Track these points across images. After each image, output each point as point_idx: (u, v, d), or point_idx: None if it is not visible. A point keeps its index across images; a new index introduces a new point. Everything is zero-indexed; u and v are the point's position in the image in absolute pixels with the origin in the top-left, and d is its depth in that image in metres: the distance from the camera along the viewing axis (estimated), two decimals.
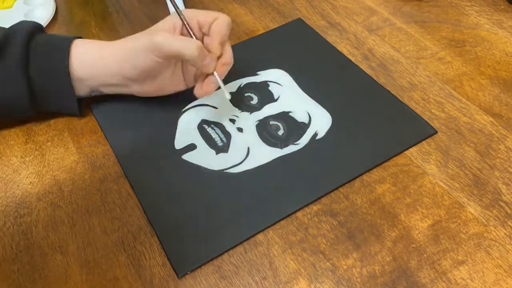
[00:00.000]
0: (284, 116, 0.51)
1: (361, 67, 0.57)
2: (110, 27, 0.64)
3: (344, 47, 0.60)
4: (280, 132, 0.49)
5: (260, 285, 0.39)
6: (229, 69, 0.49)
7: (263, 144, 0.49)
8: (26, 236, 0.43)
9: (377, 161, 0.47)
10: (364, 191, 0.45)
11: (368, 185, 0.46)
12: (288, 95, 0.53)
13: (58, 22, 0.65)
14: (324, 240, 0.42)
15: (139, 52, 0.45)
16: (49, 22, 0.65)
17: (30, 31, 0.47)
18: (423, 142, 0.49)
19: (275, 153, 0.48)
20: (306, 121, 0.50)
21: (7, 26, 0.60)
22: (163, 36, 0.44)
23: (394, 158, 0.48)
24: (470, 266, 0.40)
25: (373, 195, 0.45)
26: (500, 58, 0.58)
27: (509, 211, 0.43)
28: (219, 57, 0.48)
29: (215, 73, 0.47)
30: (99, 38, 0.62)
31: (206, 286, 0.40)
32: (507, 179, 0.46)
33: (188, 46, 0.44)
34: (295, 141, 0.49)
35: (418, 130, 0.50)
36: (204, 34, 0.49)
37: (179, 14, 0.47)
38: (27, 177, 0.47)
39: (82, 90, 0.49)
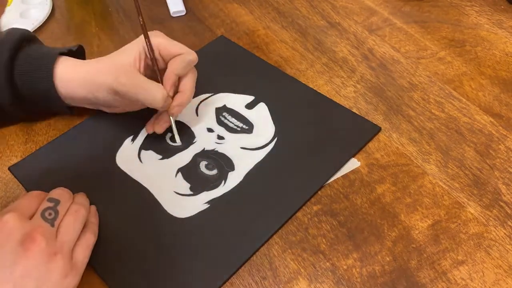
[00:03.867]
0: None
1: (361, 67, 0.57)
2: (110, 27, 0.64)
3: (344, 47, 0.60)
4: (213, 173, 0.47)
5: (260, 285, 0.39)
6: (182, 109, 0.46)
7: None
8: None
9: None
10: (364, 191, 0.45)
11: (368, 185, 0.46)
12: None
13: (58, 21, 0.65)
14: (324, 240, 0.42)
15: (102, 91, 0.45)
16: (50, 22, 0.65)
17: (19, 38, 0.46)
18: (423, 142, 0.49)
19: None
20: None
21: (3, 23, 0.60)
22: (124, 83, 0.43)
23: (394, 158, 0.48)
24: (470, 266, 0.40)
25: (373, 195, 0.45)
26: (500, 58, 0.58)
27: (509, 211, 0.43)
28: (175, 93, 0.47)
29: (172, 118, 0.47)
30: (99, 38, 0.62)
31: None
32: (507, 179, 0.46)
33: (153, 97, 0.43)
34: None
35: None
36: (166, 65, 0.46)
37: (150, 54, 0.46)
38: None
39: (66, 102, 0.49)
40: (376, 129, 0.50)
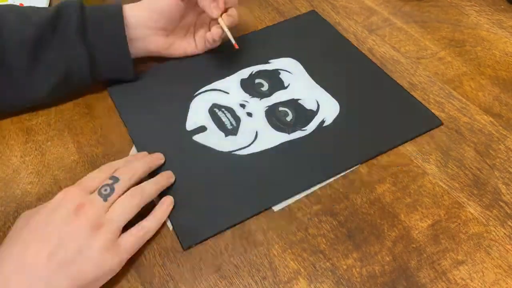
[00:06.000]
0: (293, 103, 0.52)
1: None
2: None
3: None
4: (288, 118, 0.51)
5: (260, 285, 0.39)
6: (234, 22, 0.53)
7: (271, 128, 0.50)
8: None
9: (382, 149, 0.48)
10: (364, 191, 0.45)
11: (368, 185, 0.46)
12: (298, 83, 0.55)
13: None
14: (324, 240, 0.42)
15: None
16: None
17: (80, 5, 0.50)
18: (423, 142, 0.49)
19: (282, 137, 0.49)
20: (314, 109, 0.52)
21: None
22: None
23: (394, 158, 0.48)
24: (470, 266, 0.40)
25: (373, 195, 0.45)
26: (500, 58, 0.58)
27: (509, 211, 0.43)
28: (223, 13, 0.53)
29: (220, 19, 0.52)
30: None
31: (206, 286, 0.40)
32: (507, 179, 0.46)
33: None
34: (302, 127, 0.50)
35: (424, 121, 0.50)
36: None
37: None
38: (27, 177, 0.47)
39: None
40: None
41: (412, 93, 0.54)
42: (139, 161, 0.44)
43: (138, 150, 0.49)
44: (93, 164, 0.48)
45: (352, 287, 0.39)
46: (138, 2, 0.53)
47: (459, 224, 0.43)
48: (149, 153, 0.47)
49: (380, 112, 0.51)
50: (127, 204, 0.40)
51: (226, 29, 0.52)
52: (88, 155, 0.49)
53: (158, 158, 0.47)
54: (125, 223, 0.40)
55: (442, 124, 0.50)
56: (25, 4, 0.66)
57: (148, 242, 0.42)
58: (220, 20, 0.52)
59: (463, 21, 0.63)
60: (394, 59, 0.58)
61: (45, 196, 0.46)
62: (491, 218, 0.43)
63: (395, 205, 0.44)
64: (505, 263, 0.40)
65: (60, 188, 0.46)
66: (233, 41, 0.53)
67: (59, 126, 0.52)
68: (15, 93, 0.49)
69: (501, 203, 0.44)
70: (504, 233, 0.42)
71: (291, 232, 0.42)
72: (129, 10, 0.52)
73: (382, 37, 0.61)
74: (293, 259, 0.41)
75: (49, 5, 0.67)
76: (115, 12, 0.51)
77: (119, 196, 0.40)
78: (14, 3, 0.67)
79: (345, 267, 0.40)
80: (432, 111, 0.52)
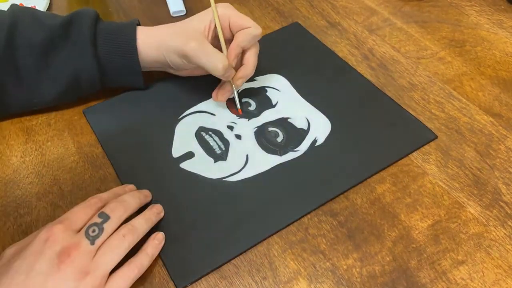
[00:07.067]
0: (282, 123, 0.50)
1: (361, 67, 0.57)
2: None
3: (344, 47, 0.60)
4: (279, 139, 0.49)
5: (260, 285, 0.39)
6: (245, 81, 0.50)
7: (262, 151, 0.48)
8: (26, 236, 0.43)
9: (377, 167, 0.46)
10: (364, 191, 0.45)
11: (368, 185, 0.46)
12: (287, 101, 0.53)
13: None
14: (324, 240, 0.42)
15: (172, 53, 0.48)
16: None
17: (93, 16, 0.50)
18: None
19: (274, 160, 0.47)
20: (305, 127, 0.50)
21: None
22: (193, 47, 0.46)
23: None
24: (470, 266, 0.40)
25: (373, 195, 0.45)
26: (500, 58, 0.58)
27: (509, 211, 0.43)
28: (238, 66, 0.50)
29: (234, 89, 0.50)
30: None
31: (206, 286, 0.40)
32: (507, 179, 0.46)
33: (215, 65, 0.46)
34: (294, 148, 0.48)
35: (418, 135, 0.49)
36: (232, 36, 0.50)
37: (216, 24, 0.49)
38: (27, 177, 0.47)
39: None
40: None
41: (412, 93, 0.54)
42: (131, 197, 0.41)
43: (122, 180, 0.46)
44: (93, 164, 0.48)
45: (352, 287, 0.39)
46: (153, 42, 0.50)
47: (459, 224, 0.43)
48: (133, 183, 0.45)
49: (372, 129, 0.50)
50: (117, 247, 0.37)
51: (236, 94, 0.51)
52: (88, 155, 0.49)
53: (146, 196, 0.43)
54: (114, 266, 0.36)
55: (437, 137, 0.49)
56: (25, 4, 0.66)
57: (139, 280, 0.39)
58: (234, 89, 0.50)
59: (463, 21, 0.63)
60: (394, 59, 0.58)
61: (45, 196, 0.46)
62: (491, 218, 0.43)
63: (395, 205, 0.44)
64: (505, 263, 0.40)
65: (60, 189, 0.46)
66: (238, 106, 0.51)
67: (59, 126, 0.52)
68: (24, 94, 0.49)
69: (501, 203, 0.44)
70: (504, 233, 0.42)
71: (291, 232, 0.42)
72: (147, 34, 0.50)
73: (382, 37, 0.61)
74: (293, 259, 0.41)
75: (49, 5, 0.67)
76: (129, 26, 0.50)
77: (109, 236, 0.37)
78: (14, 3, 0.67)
79: (345, 267, 0.40)
80: (432, 111, 0.52)
